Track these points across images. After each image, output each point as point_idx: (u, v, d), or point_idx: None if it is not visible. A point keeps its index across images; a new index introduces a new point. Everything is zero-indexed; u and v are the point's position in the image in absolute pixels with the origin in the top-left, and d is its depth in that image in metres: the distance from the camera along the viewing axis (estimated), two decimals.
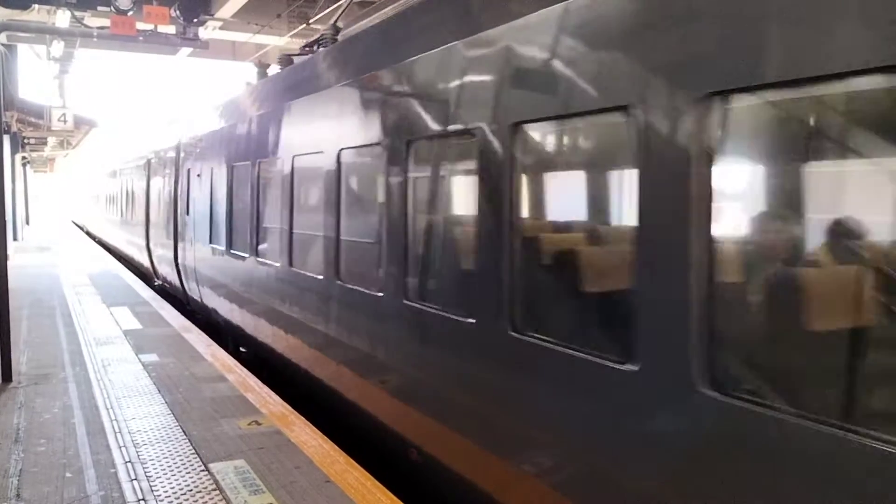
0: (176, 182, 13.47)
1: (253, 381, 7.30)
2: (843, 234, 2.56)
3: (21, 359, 8.08)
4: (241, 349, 9.74)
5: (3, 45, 14.16)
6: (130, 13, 11.06)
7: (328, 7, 16.14)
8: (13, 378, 7.24)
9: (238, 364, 8.07)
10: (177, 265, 13.15)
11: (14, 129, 23.70)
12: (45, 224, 43.92)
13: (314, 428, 5.82)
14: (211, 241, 10.80)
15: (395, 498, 4.49)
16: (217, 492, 4.56)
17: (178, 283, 13.29)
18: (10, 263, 7.75)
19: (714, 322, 2.74)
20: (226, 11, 16.14)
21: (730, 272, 2.83)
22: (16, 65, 21.04)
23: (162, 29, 12.15)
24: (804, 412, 2.39)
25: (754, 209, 2.97)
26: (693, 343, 2.77)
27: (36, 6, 12.22)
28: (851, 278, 2.51)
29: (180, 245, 12.91)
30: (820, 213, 2.71)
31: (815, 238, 2.73)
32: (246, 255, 8.99)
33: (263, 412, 6.22)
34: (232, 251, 9.68)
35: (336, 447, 5.39)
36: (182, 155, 13.10)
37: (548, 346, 3.65)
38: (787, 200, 2.88)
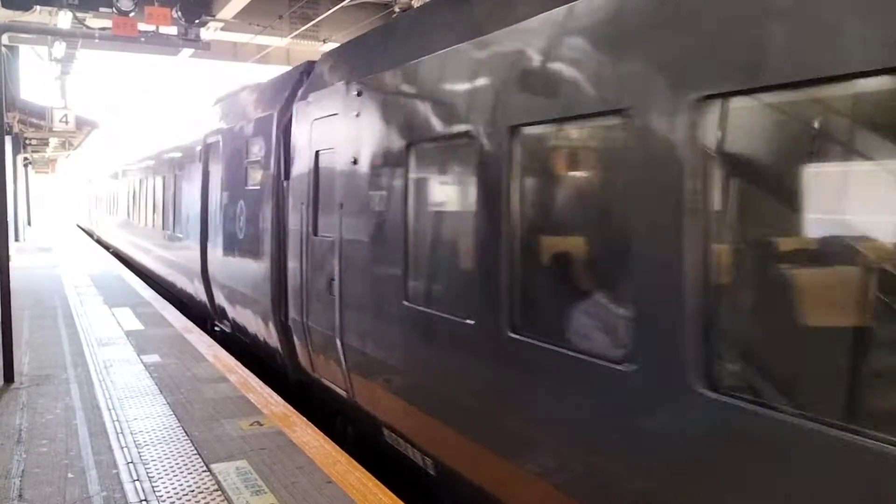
0: (278, 175, 7.90)
1: (254, 381, 7.31)
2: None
3: (23, 360, 8.10)
4: None
5: (4, 46, 14.20)
6: (132, 14, 11.07)
7: (331, 8, 16.18)
8: (15, 379, 7.25)
9: (239, 364, 8.07)
10: (281, 320, 7.74)
11: (16, 130, 23.74)
12: (48, 226, 43.99)
13: (315, 429, 5.83)
14: (410, 300, 5.15)
15: (396, 499, 4.50)
16: (219, 492, 4.56)
17: (277, 344, 7.99)
18: (11, 264, 7.76)
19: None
20: (227, 12, 16.17)
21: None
22: (17, 66, 21.10)
23: (163, 30, 12.16)
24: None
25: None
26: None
27: (38, 7, 12.25)
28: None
29: (293, 286, 7.31)
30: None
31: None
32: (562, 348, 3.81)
33: (265, 413, 6.23)
34: (519, 334, 4.08)
35: (337, 448, 5.40)
36: (300, 126, 7.29)
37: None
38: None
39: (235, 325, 9.65)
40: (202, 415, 6.17)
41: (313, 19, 17.34)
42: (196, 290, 11.60)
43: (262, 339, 8.53)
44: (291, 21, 17.73)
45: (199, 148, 11.61)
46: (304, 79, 7.76)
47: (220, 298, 10.31)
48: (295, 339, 7.44)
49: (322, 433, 5.73)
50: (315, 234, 6.82)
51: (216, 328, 10.83)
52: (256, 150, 8.71)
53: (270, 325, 8.04)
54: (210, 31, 15.68)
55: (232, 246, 9.51)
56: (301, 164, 7.23)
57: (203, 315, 11.52)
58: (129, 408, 6.37)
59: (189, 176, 12.33)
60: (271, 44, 19.35)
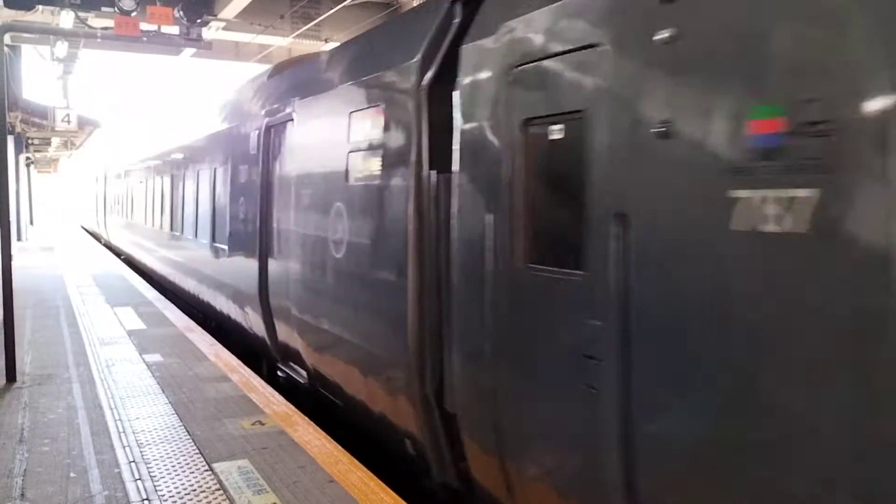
0: (419, 163, 4.97)
1: (256, 381, 7.31)
2: None
3: (25, 359, 8.11)
4: None
5: (7, 45, 14.21)
6: (134, 14, 11.08)
7: (332, 8, 16.19)
8: (17, 378, 7.26)
9: (241, 364, 8.07)
10: (425, 396, 4.92)
11: (18, 129, 23.77)
12: (50, 226, 44.05)
13: (317, 428, 5.82)
14: None
15: (398, 498, 4.49)
16: (221, 492, 4.57)
17: (416, 430, 5.10)
18: (14, 264, 7.77)
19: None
20: (229, 12, 16.20)
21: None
22: (20, 65, 21.13)
23: (165, 29, 12.18)
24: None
25: None
26: None
27: (40, 7, 12.27)
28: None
29: (463, 350, 4.52)
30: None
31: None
32: None
33: (267, 412, 6.23)
34: None
35: (339, 447, 5.40)
36: (475, 83, 4.41)
37: None
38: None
39: (320, 379, 6.81)
40: (204, 414, 6.17)
41: (315, 19, 17.36)
42: (248, 318, 8.83)
43: (377, 412, 5.72)
44: (293, 21, 17.76)
45: (255, 132, 8.76)
46: (455, 10, 5.04)
47: (287, 335, 7.58)
48: (464, 435, 4.58)
49: (324, 432, 5.73)
50: (527, 265, 3.93)
51: (280, 373, 7.95)
52: (369, 126, 5.77)
53: (405, 401, 5.16)
54: (212, 31, 15.72)
55: (316, 266, 6.67)
56: (480, 145, 4.37)
57: (255, 350, 8.95)
58: (131, 407, 6.37)
59: (238, 170, 9.49)
60: (273, 43, 19.37)
